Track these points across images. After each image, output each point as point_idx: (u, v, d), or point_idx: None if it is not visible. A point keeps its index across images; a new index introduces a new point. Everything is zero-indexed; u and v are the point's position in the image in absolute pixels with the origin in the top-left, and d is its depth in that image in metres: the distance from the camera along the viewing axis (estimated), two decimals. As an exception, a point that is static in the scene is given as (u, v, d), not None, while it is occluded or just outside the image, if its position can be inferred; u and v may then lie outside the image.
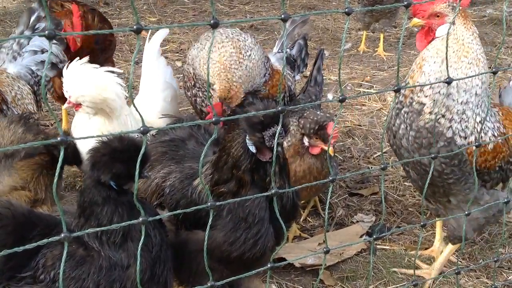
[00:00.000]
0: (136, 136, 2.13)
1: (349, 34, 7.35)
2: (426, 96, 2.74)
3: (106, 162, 2.05)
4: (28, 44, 3.68)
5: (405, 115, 2.82)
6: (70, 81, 3.04)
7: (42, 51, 3.71)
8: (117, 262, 2.05)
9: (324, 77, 4.15)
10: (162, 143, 2.77)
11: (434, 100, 2.71)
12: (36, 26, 3.67)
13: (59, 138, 1.20)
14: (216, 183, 2.33)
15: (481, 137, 2.75)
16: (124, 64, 6.16)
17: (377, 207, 3.80)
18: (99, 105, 3.05)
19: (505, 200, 1.97)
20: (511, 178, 2.98)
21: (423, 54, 2.81)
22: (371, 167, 4.24)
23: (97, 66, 3.16)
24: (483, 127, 2.78)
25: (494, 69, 1.76)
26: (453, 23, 2.73)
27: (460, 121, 2.72)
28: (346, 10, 1.46)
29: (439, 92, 2.71)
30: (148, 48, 3.70)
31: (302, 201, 3.69)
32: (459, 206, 2.94)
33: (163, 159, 2.68)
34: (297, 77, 4.26)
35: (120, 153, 2.03)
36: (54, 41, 3.75)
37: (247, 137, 2.26)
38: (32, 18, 3.70)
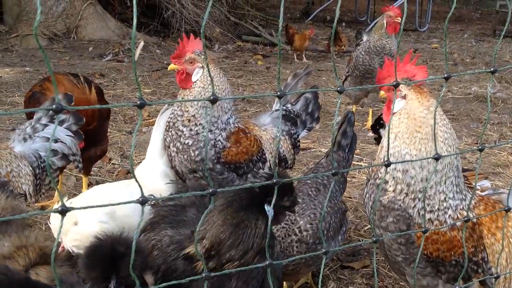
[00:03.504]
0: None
1: (339, 108, 7.51)
2: (387, 173, 2.62)
3: (104, 270, 2.04)
4: (42, 130, 3.70)
5: (370, 186, 2.77)
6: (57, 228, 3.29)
7: (56, 141, 3.73)
8: None
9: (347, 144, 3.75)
10: (165, 207, 2.83)
11: (394, 177, 2.60)
12: (55, 116, 3.68)
13: (59, 208, 1.24)
14: (229, 259, 2.33)
15: (438, 217, 2.59)
16: (117, 134, 6.24)
17: (368, 281, 3.78)
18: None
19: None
20: (475, 279, 2.66)
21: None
22: (362, 240, 4.24)
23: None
24: (443, 207, 2.61)
25: (480, 147, 1.83)
26: (404, 97, 2.63)
27: (424, 199, 2.58)
28: (338, 88, 1.54)
29: (395, 168, 2.59)
30: (157, 122, 3.78)
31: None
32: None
33: (162, 223, 2.72)
34: (303, 133, 4.09)
35: (122, 259, 1.99)
36: (71, 134, 3.80)
37: (266, 205, 2.33)
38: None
